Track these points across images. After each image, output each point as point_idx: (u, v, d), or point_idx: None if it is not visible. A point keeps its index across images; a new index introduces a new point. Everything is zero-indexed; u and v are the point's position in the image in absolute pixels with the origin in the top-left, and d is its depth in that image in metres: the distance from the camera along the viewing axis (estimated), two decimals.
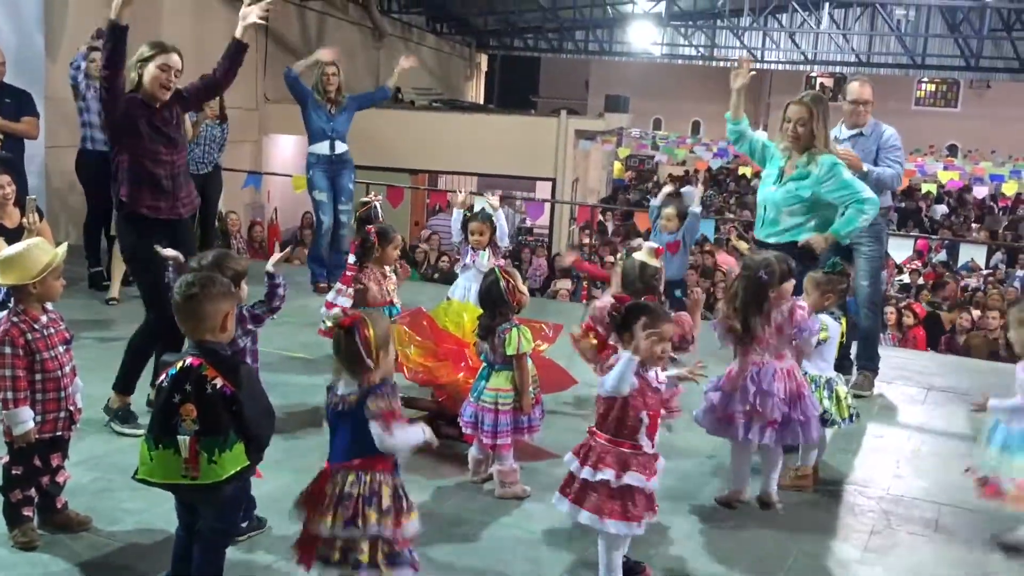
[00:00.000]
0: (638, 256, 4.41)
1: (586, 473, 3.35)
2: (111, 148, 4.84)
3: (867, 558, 3.93)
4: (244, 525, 3.66)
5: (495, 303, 4.22)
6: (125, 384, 4.76)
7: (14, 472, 3.49)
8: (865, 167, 5.96)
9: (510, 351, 4.12)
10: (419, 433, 2.98)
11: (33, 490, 3.55)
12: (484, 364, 4.29)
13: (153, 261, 4.66)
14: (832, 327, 4.48)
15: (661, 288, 4.53)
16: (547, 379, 4.59)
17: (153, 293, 4.75)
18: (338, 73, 8.03)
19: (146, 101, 4.67)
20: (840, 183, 5.14)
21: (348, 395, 2.93)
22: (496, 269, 4.33)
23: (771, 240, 5.31)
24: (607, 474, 3.31)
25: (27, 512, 3.54)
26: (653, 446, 3.40)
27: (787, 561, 3.85)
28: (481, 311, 4.49)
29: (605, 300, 4.24)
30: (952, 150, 31.80)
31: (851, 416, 4.51)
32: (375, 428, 2.87)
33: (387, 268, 5.46)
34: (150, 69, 4.63)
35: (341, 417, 2.96)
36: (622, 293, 4.15)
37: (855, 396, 5.98)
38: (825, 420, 4.39)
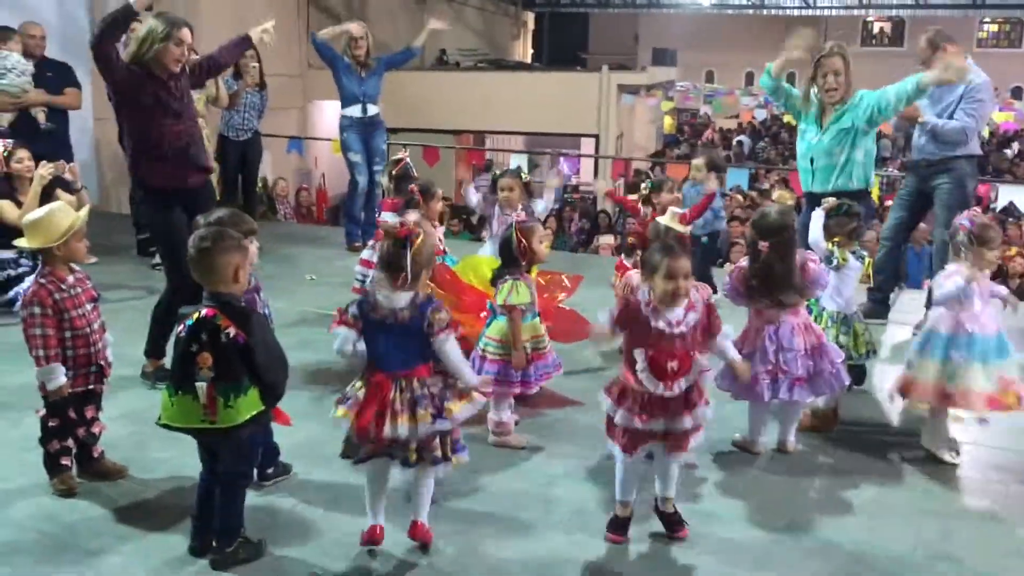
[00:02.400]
0: (663, 220, 4.47)
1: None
2: (117, 113, 4.94)
3: (883, 496, 3.96)
4: (270, 471, 3.84)
5: (506, 256, 4.32)
6: (155, 349, 4.96)
7: (51, 424, 3.70)
8: (924, 117, 5.90)
9: (499, 300, 4.22)
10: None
11: (70, 441, 3.77)
12: (492, 314, 4.40)
13: (168, 227, 4.84)
14: (852, 265, 4.49)
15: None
16: (565, 329, 4.67)
17: (171, 259, 4.92)
18: (366, 37, 8.09)
19: (153, 73, 4.74)
20: (871, 95, 5.42)
21: (400, 310, 3.13)
22: (513, 225, 4.37)
23: (822, 190, 5.41)
24: (604, 400, 3.46)
25: (65, 462, 3.76)
26: (669, 389, 3.31)
27: (802, 500, 3.90)
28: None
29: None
30: (1016, 92, 30.78)
31: (868, 352, 4.56)
32: (445, 339, 3.16)
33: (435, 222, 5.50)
34: (166, 46, 4.70)
35: (387, 329, 3.15)
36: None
37: (916, 335, 6.06)
38: None
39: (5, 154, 6.18)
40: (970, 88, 5.88)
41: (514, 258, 4.27)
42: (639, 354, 3.33)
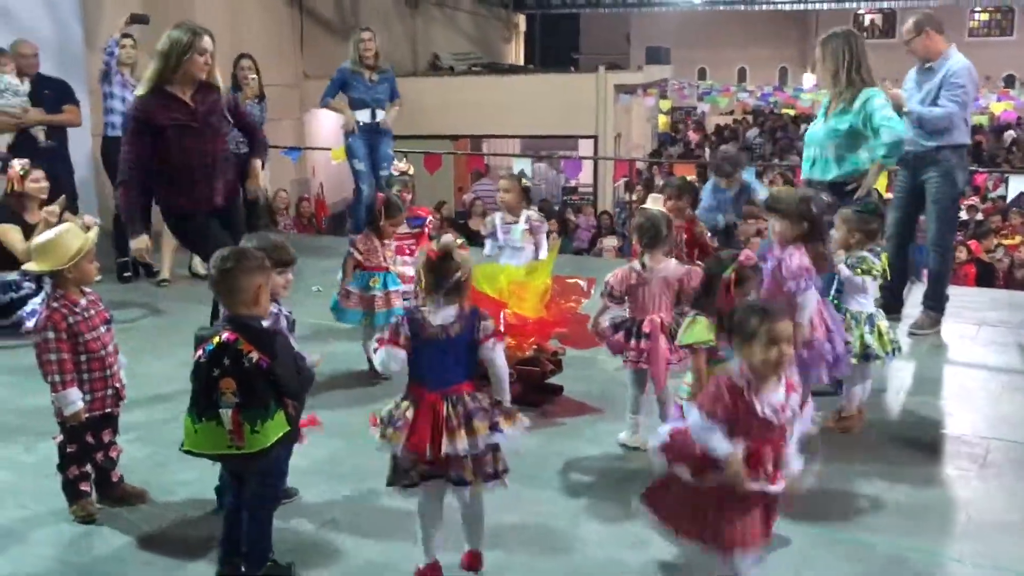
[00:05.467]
0: (654, 207, 4.37)
1: None
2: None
3: (916, 495, 3.91)
4: None
5: (703, 287, 3.70)
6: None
7: (69, 450, 3.63)
8: (907, 107, 5.83)
9: (678, 339, 3.74)
10: None
11: (89, 466, 3.70)
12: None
13: (206, 240, 4.71)
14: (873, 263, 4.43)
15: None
16: (581, 334, 4.60)
17: (202, 250, 4.92)
18: (374, 38, 7.99)
19: (173, 94, 4.64)
20: (870, 112, 5.15)
21: (450, 324, 3.03)
22: (734, 262, 3.50)
23: (818, 178, 5.34)
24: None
25: (84, 487, 3.68)
26: (773, 482, 2.78)
27: (835, 501, 3.83)
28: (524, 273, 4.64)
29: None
30: (1009, 80, 30.80)
31: (894, 351, 4.46)
32: (493, 347, 3.07)
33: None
34: (192, 57, 4.59)
35: (437, 346, 3.04)
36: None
37: (912, 335, 5.99)
38: (868, 356, 4.35)
39: (22, 172, 6.09)
40: (950, 73, 5.79)
41: (709, 293, 3.58)
42: (736, 445, 2.76)
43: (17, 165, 6.14)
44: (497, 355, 3.10)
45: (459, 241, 3.16)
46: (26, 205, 6.15)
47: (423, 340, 3.05)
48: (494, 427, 3.03)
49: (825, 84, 5.33)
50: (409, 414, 3.04)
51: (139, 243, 4.80)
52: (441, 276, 3.04)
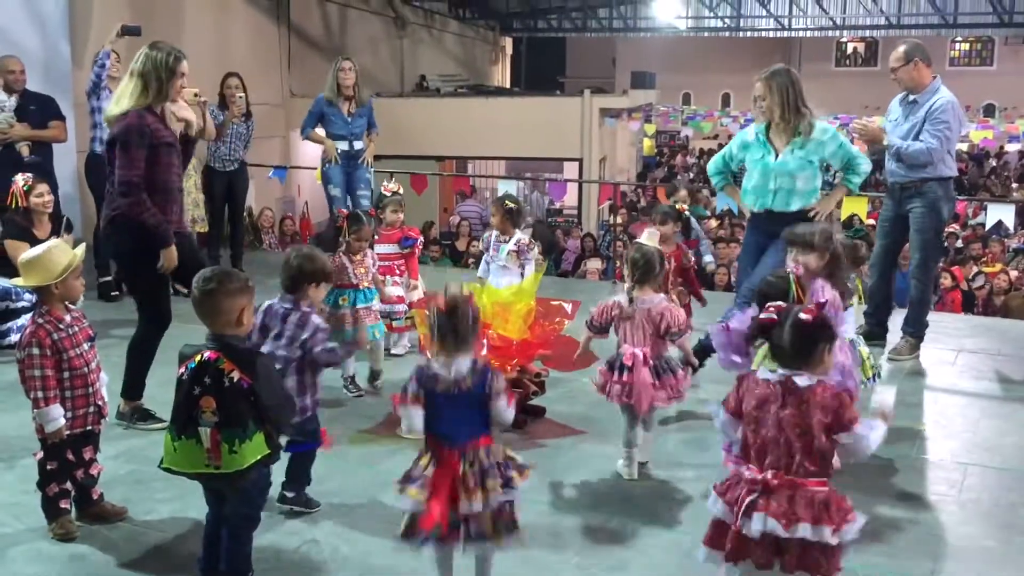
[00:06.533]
0: (649, 242, 4.40)
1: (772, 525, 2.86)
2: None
3: (892, 520, 3.94)
4: (291, 495, 3.85)
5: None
6: (132, 389, 4.78)
7: (49, 467, 3.61)
8: (887, 140, 5.89)
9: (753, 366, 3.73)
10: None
11: (69, 483, 3.67)
12: None
13: (152, 261, 4.68)
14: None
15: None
16: (564, 356, 4.64)
17: (153, 291, 4.75)
18: (355, 68, 7.89)
19: (156, 114, 4.64)
20: (840, 144, 5.26)
21: (463, 378, 2.98)
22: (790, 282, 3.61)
23: (780, 209, 5.24)
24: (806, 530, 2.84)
25: (64, 505, 3.66)
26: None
27: None
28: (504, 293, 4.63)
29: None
30: (989, 110, 31.20)
31: (874, 375, 4.50)
32: (502, 403, 3.00)
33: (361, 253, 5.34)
34: (173, 80, 4.60)
35: (451, 401, 2.98)
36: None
37: (891, 360, 6.02)
38: None
39: (25, 188, 6.04)
40: (934, 108, 5.80)
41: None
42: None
43: (20, 180, 6.08)
44: (508, 415, 3.04)
45: (466, 292, 3.08)
46: (34, 220, 6.11)
47: (437, 394, 2.99)
48: (506, 484, 2.98)
49: (768, 116, 5.27)
50: (429, 471, 2.98)
51: (173, 251, 4.64)
52: (454, 326, 2.98)
